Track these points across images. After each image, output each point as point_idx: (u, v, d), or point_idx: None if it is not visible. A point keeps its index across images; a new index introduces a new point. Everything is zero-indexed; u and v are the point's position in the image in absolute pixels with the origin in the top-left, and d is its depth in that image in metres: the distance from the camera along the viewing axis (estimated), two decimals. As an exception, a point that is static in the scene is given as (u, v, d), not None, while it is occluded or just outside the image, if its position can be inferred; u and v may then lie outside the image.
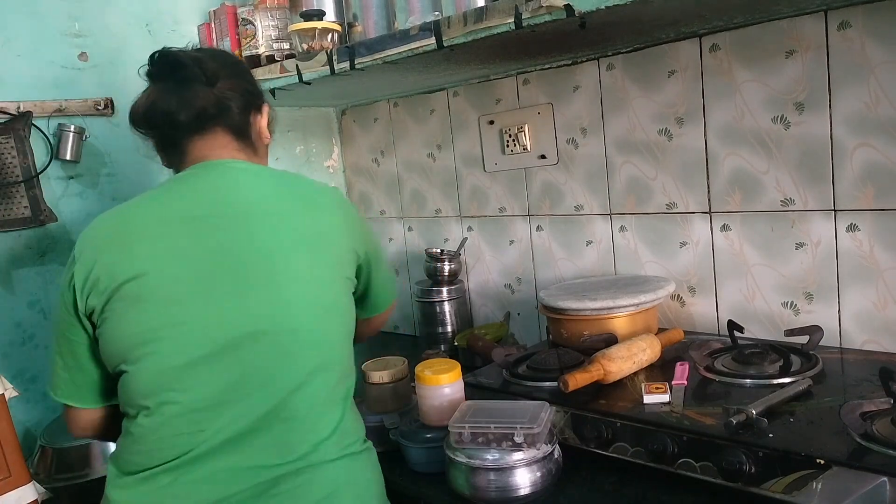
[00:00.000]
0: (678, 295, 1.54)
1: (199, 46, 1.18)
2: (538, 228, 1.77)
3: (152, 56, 1.05)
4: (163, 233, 0.98)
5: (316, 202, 1.08)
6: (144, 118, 1.07)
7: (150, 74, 1.06)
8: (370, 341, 2.14)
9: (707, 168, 1.45)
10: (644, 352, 1.24)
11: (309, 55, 1.52)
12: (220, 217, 1.00)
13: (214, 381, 0.96)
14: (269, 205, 1.03)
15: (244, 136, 1.11)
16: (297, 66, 1.55)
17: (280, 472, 0.96)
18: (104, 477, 1.05)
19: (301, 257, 1.01)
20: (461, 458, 1.05)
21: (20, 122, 1.55)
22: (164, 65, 1.04)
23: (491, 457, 1.03)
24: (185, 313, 0.95)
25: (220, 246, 0.98)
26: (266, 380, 0.97)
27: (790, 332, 1.26)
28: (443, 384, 1.19)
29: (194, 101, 1.03)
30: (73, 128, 1.62)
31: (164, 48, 1.06)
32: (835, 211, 1.31)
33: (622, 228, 1.61)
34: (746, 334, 1.37)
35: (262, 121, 1.15)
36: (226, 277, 0.97)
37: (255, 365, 0.97)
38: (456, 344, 1.74)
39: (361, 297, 1.19)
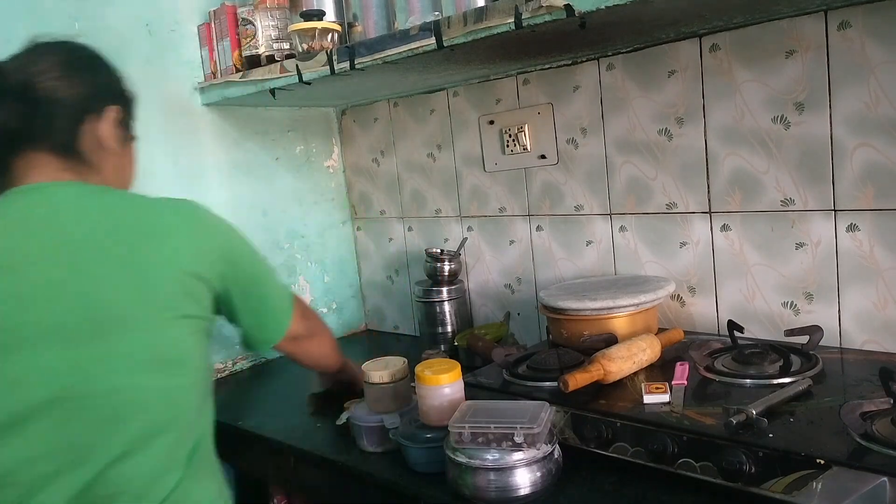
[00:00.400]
0: (678, 295, 1.54)
1: (51, 41, 1.00)
2: (538, 228, 1.77)
3: None
4: None
5: (147, 228, 0.93)
6: None
7: None
8: (371, 342, 2.17)
9: (707, 168, 1.45)
10: (644, 352, 1.24)
11: (309, 55, 1.52)
12: (25, 258, 0.86)
13: (11, 457, 0.84)
14: (90, 238, 0.89)
15: (70, 151, 0.96)
16: (297, 66, 1.55)
17: None
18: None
19: (126, 299, 0.87)
20: (461, 458, 1.05)
21: (20, 122, 1.54)
22: None
23: (491, 457, 1.03)
24: None
25: (24, 294, 0.85)
26: (79, 453, 0.85)
27: (790, 332, 1.26)
28: (443, 384, 1.19)
29: None
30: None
31: None
32: (835, 211, 1.31)
33: (622, 228, 1.61)
34: (746, 334, 1.37)
35: (104, 126, 0.99)
36: (29, 331, 0.84)
37: (64, 436, 0.84)
38: (456, 344, 1.74)
39: (241, 330, 1.08)
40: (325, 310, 2.16)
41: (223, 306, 1.02)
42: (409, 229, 2.09)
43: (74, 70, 0.98)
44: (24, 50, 0.98)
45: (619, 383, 1.20)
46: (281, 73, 1.59)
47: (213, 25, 1.79)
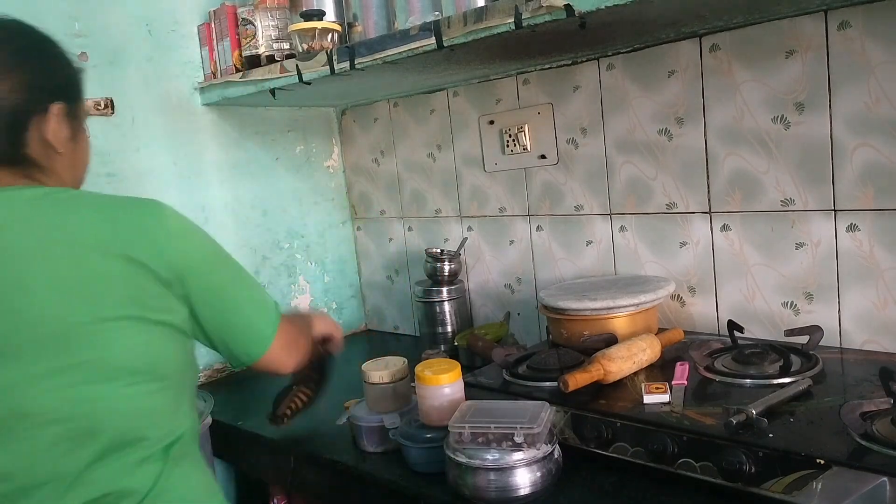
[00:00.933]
0: (678, 295, 1.54)
1: None
2: (538, 228, 1.77)
3: None
4: None
5: (101, 233, 0.86)
6: None
7: None
8: (371, 342, 2.17)
9: (707, 168, 1.45)
10: (644, 352, 1.24)
11: (309, 55, 1.52)
12: None
13: None
14: (36, 249, 0.84)
15: (16, 161, 0.89)
16: (297, 66, 1.55)
17: None
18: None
19: (75, 311, 0.83)
20: (461, 458, 1.05)
21: (20, 122, 1.54)
22: None
23: (491, 457, 1.03)
24: None
25: None
26: (41, 473, 0.83)
27: (790, 332, 1.26)
28: (443, 384, 1.19)
29: None
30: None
31: None
32: (835, 211, 1.31)
33: (622, 228, 1.61)
34: (746, 334, 1.37)
35: (50, 127, 0.91)
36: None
37: (23, 457, 0.83)
38: (456, 344, 1.74)
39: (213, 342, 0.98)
40: (324, 310, 2.16)
41: (192, 317, 0.94)
42: (409, 229, 2.09)
43: (11, 66, 0.88)
44: None
45: (619, 383, 1.20)
46: (281, 73, 1.59)
47: (213, 25, 1.79)
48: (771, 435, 0.94)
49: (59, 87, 0.94)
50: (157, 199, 0.93)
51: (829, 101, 1.28)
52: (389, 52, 1.36)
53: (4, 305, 0.82)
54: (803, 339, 1.24)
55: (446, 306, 1.81)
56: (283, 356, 1.04)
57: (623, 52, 1.53)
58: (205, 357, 1.79)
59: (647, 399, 1.11)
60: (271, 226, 2.02)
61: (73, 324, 0.83)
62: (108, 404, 0.85)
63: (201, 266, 0.93)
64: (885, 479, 0.83)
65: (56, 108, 0.91)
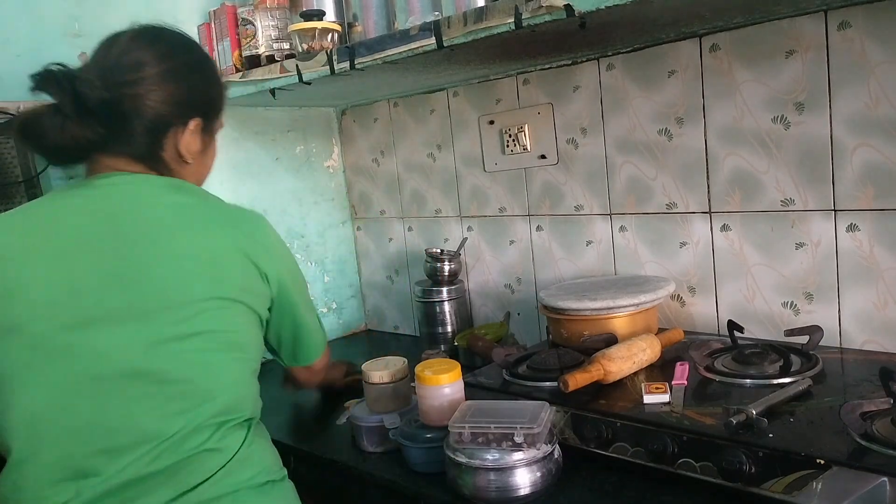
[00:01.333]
0: (678, 295, 1.54)
1: (156, 34, 1.01)
2: (538, 228, 1.77)
3: (36, 73, 0.91)
4: (39, 255, 0.90)
5: (226, 222, 1.00)
6: (24, 131, 0.92)
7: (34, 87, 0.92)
8: (371, 342, 2.17)
9: (707, 168, 1.45)
10: (644, 352, 1.24)
11: (309, 55, 1.52)
12: (109, 241, 0.91)
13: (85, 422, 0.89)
14: (170, 227, 0.94)
15: (148, 159, 0.98)
16: (297, 66, 1.55)
17: None
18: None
19: (200, 285, 0.93)
20: (461, 458, 1.05)
21: (20, 122, 1.54)
22: (42, 83, 0.90)
23: (491, 457, 1.03)
24: (59, 346, 0.88)
25: (103, 275, 0.90)
26: (149, 428, 0.90)
27: (790, 332, 1.26)
28: (443, 384, 1.19)
29: (61, 133, 0.88)
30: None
31: (50, 67, 0.90)
32: (835, 211, 1.31)
33: (622, 228, 1.61)
34: (746, 334, 1.37)
35: (186, 139, 0.99)
36: (110, 309, 0.89)
37: (136, 409, 0.89)
38: (456, 344, 1.74)
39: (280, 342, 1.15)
40: (324, 310, 2.16)
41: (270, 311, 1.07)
42: (409, 229, 2.09)
43: (171, 80, 0.96)
44: (127, 45, 0.96)
45: (619, 383, 1.20)
46: (281, 73, 1.59)
47: (213, 25, 1.79)
48: (771, 435, 0.94)
49: (204, 104, 1.02)
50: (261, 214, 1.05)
51: (829, 101, 1.28)
52: (389, 52, 1.36)
53: (137, 273, 0.90)
54: (803, 339, 1.24)
55: (446, 306, 1.81)
56: (315, 373, 1.28)
57: (623, 52, 1.53)
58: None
59: (647, 399, 1.11)
60: (271, 226, 2.02)
61: (197, 298, 0.92)
62: (225, 371, 0.95)
63: (289, 282, 1.07)
64: (885, 479, 0.83)
65: (193, 124, 1.00)
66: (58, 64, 0.90)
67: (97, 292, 0.89)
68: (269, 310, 1.06)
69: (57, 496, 0.87)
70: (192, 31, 1.84)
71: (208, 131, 1.05)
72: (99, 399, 0.88)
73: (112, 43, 0.97)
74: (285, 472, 1.07)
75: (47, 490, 0.87)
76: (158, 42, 0.99)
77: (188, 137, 1.00)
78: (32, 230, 0.93)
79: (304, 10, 1.56)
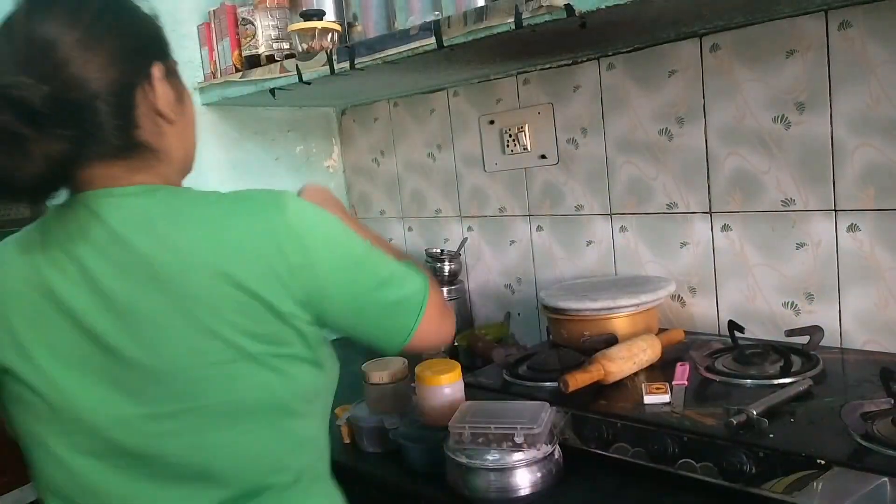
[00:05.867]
0: (678, 295, 1.54)
1: (24, 3, 0.74)
2: (538, 228, 1.77)
3: None
4: (34, 311, 0.76)
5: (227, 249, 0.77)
6: None
7: None
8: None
9: (707, 168, 1.45)
10: (644, 352, 1.24)
11: (309, 55, 1.52)
12: (93, 291, 0.74)
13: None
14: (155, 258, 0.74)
15: (132, 148, 0.78)
16: (297, 66, 1.54)
17: None
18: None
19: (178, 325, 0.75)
20: (461, 459, 1.05)
21: (20, 122, 1.54)
22: None
23: (491, 457, 1.03)
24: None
25: (97, 334, 0.75)
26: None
27: (791, 333, 1.26)
28: (443, 384, 1.19)
29: (29, 156, 0.68)
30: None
31: None
32: (835, 211, 1.30)
33: (622, 228, 1.61)
34: (747, 334, 1.36)
35: (157, 92, 0.79)
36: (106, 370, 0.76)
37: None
38: (456, 344, 1.74)
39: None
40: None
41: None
42: (409, 229, 2.09)
43: (98, 37, 0.74)
44: (26, 26, 0.72)
45: (620, 384, 1.20)
46: (281, 73, 1.59)
47: (212, 25, 1.79)
48: (771, 435, 0.94)
49: (152, 44, 0.81)
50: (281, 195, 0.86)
51: (830, 100, 1.28)
52: (389, 51, 1.36)
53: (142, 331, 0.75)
54: (804, 340, 1.24)
55: (446, 306, 1.81)
56: (430, 338, 0.90)
57: (623, 52, 1.53)
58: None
59: (648, 399, 1.10)
60: (271, 226, 2.01)
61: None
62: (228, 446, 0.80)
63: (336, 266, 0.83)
64: (886, 479, 0.83)
65: (157, 71, 0.79)
66: None
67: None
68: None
69: None
70: (192, 31, 1.84)
71: (173, 73, 0.83)
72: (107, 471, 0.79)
73: (7, 33, 0.73)
74: None
75: None
76: (55, 4, 0.74)
77: (159, 88, 0.79)
78: (25, 274, 0.78)
79: (304, 9, 1.56)
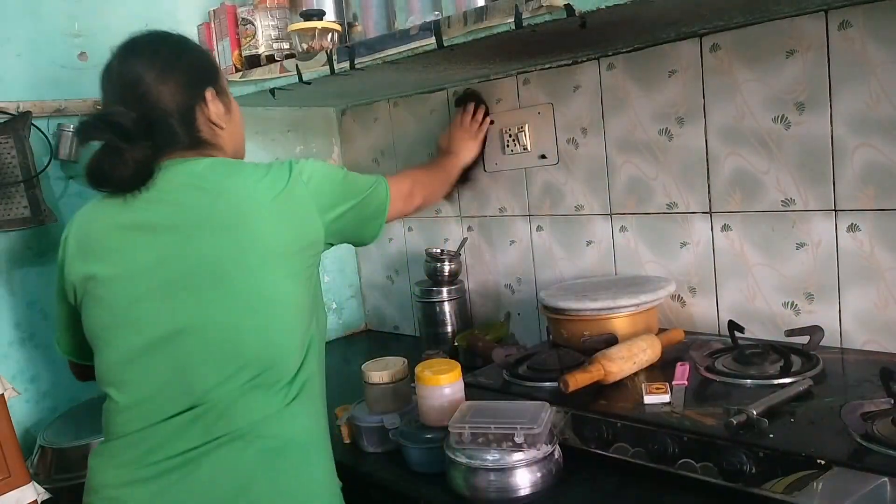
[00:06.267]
0: (678, 295, 1.54)
1: (128, 46, 1.11)
2: (538, 228, 1.77)
3: (76, 131, 1.06)
4: (117, 240, 1.04)
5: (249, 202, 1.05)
6: (96, 181, 1.04)
7: (84, 143, 1.06)
8: (371, 342, 2.16)
9: (707, 168, 1.45)
10: (644, 352, 1.24)
11: (309, 55, 1.52)
12: (167, 225, 1.03)
13: (135, 386, 1.03)
14: (212, 210, 1.04)
15: (195, 144, 1.10)
16: (297, 66, 1.54)
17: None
18: (103, 477, 1.05)
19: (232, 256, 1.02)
20: (461, 459, 1.05)
21: (20, 121, 1.54)
22: (86, 134, 1.04)
23: (491, 457, 1.03)
24: (130, 314, 1.02)
25: (167, 253, 1.02)
26: (186, 381, 1.01)
27: (791, 333, 1.26)
28: (443, 384, 1.19)
29: (124, 160, 1.01)
30: (72, 128, 1.62)
31: (84, 119, 1.04)
32: (835, 211, 1.30)
33: (622, 228, 1.61)
34: (747, 334, 1.37)
35: (210, 110, 1.11)
36: (159, 281, 1.02)
37: (173, 367, 1.02)
38: (456, 344, 1.74)
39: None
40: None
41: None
42: (409, 229, 2.09)
43: (169, 73, 1.07)
44: (119, 69, 1.07)
45: (620, 384, 1.20)
46: (281, 73, 1.59)
47: (212, 25, 1.79)
48: (771, 435, 0.94)
49: (205, 74, 1.13)
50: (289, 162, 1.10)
51: (830, 100, 1.28)
52: (389, 51, 1.36)
53: (193, 249, 1.02)
54: (804, 340, 1.24)
55: (446, 306, 1.81)
56: (400, 211, 1.32)
57: (623, 52, 1.53)
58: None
59: (648, 399, 1.11)
60: (271, 226, 2.02)
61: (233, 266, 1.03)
62: (244, 331, 1.03)
63: (341, 198, 1.15)
64: (886, 479, 0.83)
65: (209, 94, 1.11)
66: (83, 117, 1.07)
67: (155, 269, 1.03)
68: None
69: (137, 423, 1.02)
70: (192, 31, 1.84)
71: (222, 93, 1.15)
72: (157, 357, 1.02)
73: (108, 75, 1.09)
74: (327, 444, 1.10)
75: (134, 423, 1.02)
76: (139, 51, 1.10)
77: (212, 107, 1.11)
78: (114, 219, 1.06)
79: (304, 9, 1.56)
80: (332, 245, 1.16)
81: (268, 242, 1.03)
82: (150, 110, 1.05)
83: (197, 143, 1.10)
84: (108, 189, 1.04)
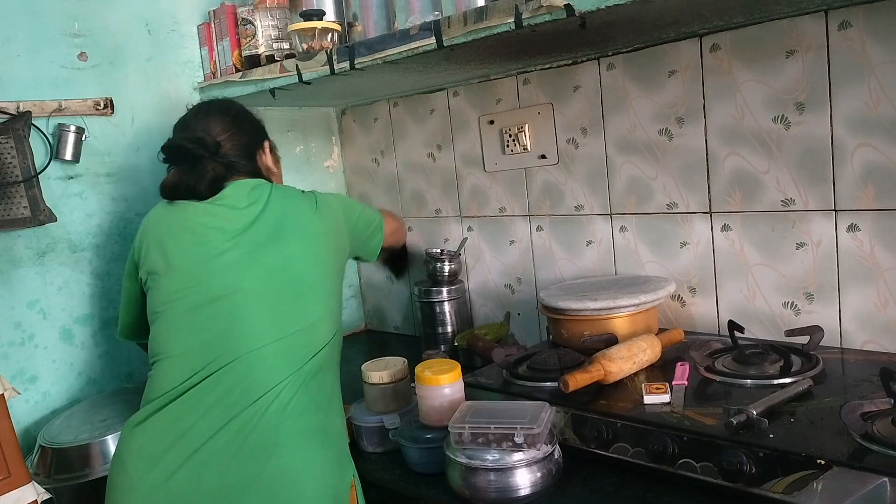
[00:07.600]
0: (678, 295, 1.54)
1: (202, 105, 1.40)
2: (538, 228, 1.77)
3: (163, 147, 1.28)
4: (182, 237, 1.24)
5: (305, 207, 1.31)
6: (172, 192, 1.29)
7: (167, 161, 1.29)
8: (371, 342, 2.16)
9: (707, 168, 1.45)
10: (644, 352, 1.24)
11: (309, 55, 1.52)
12: (231, 231, 1.24)
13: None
14: (269, 217, 1.26)
15: (255, 172, 1.37)
16: (297, 65, 1.54)
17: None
18: (104, 477, 1.05)
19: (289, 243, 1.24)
20: (461, 459, 1.05)
21: (20, 121, 1.54)
22: (173, 153, 1.28)
23: (491, 457, 1.03)
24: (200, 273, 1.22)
25: (226, 254, 1.21)
26: (221, 343, 1.17)
27: (791, 333, 1.26)
28: (443, 384, 1.19)
29: (205, 174, 1.26)
30: (72, 128, 1.62)
31: (170, 140, 1.28)
32: (835, 211, 1.31)
33: (622, 228, 1.61)
34: (747, 334, 1.37)
35: (266, 157, 1.40)
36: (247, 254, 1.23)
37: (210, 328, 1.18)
38: (456, 344, 1.74)
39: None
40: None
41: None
42: (410, 229, 2.08)
43: (238, 127, 1.35)
44: (195, 121, 1.33)
45: (620, 384, 1.20)
46: (281, 73, 1.59)
47: (212, 25, 1.79)
48: (771, 435, 0.94)
49: (261, 131, 1.42)
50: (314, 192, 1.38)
51: (830, 100, 1.28)
52: (389, 51, 1.36)
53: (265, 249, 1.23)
54: (804, 340, 1.24)
55: (446, 306, 1.81)
56: (392, 240, 1.58)
57: (623, 52, 1.53)
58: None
59: (648, 399, 1.11)
60: (271, 226, 2.02)
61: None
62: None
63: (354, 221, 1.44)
64: (886, 479, 0.83)
65: (266, 145, 1.41)
66: (174, 143, 1.29)
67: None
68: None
69: (183, 374, 1.16)
70: (192, 31, 1.84)
71: (273, 149, 1.44)
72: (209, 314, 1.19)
73: (184, 125, 1.34)
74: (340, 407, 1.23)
75: (177, 374, 1.16)
76: (211, 111, 1.36)
77: (268, 155, 1.41)
78: (183, 219, 1.27)
79: (304, 9, 1.56)
80: (348, 253, 1.39)
81: (315, 236, 1.26)
82: (225, 141, 1.31)
83: (257, 173, 1.36)
84: (185, 197, 1.26)
